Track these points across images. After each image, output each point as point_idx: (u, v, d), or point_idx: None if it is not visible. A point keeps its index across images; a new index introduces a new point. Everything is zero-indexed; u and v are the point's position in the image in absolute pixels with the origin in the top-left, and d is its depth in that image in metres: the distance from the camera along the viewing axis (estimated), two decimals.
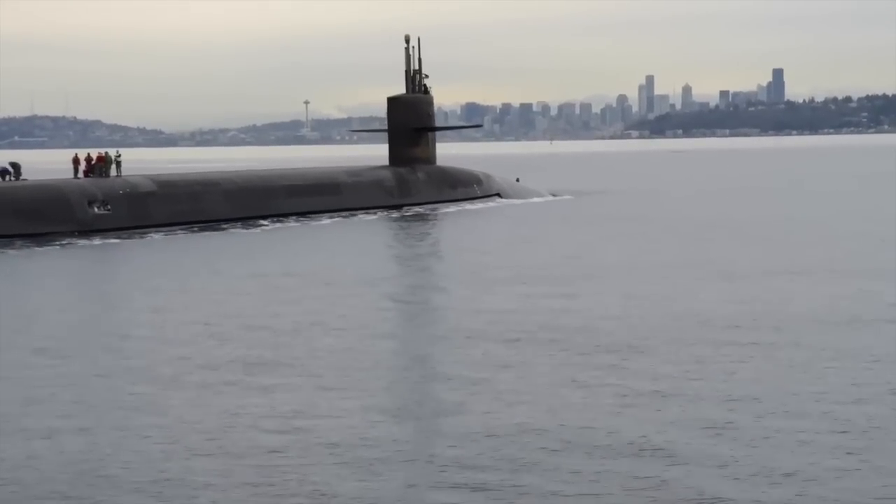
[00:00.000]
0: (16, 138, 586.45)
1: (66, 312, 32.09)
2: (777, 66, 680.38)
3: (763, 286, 33.04)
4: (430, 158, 79.42)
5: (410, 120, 78.23)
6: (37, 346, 26.23)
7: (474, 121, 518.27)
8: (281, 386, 21.11)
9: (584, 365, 22.31)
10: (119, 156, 62.61)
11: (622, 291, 32.70)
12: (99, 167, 61.04)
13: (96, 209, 56.86)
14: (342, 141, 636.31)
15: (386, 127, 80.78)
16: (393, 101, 79.14)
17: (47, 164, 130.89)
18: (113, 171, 61.66)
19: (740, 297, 30.94)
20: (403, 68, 79.05)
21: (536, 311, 29.20)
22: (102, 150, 63.30)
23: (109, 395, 20.91)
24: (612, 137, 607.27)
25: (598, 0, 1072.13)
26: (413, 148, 78.14)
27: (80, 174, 61.00)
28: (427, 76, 79.78)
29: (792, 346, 23.98)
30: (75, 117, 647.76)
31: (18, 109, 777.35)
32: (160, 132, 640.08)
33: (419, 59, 79.09)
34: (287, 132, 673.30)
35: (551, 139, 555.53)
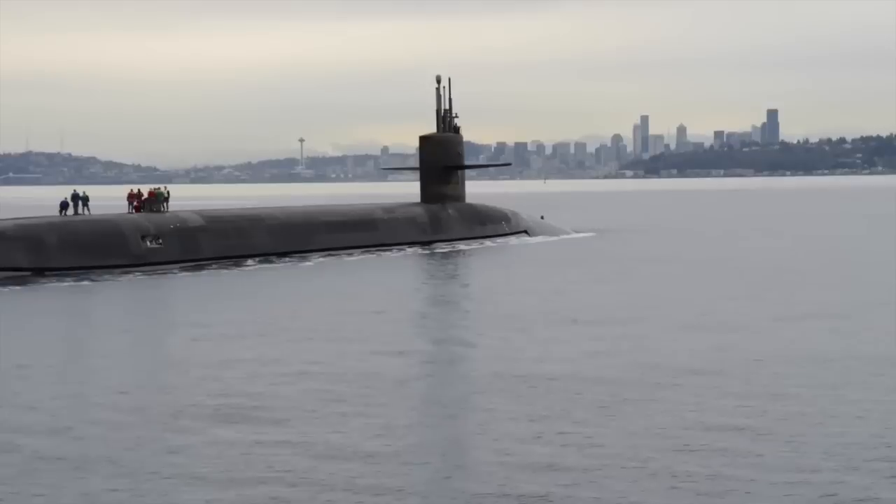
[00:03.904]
0: (10, 175, 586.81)
1: (123, 338, 34.42)
2: (771, 107, 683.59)
3: None
4: (460, 196, 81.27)
5: (441, 158, 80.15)
6: (92, 367, 28.44)
7: (468, 160, 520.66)
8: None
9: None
10: (168, 192, 64.62)
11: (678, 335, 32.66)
12: (150, 202, 62.81)
13: (149, 243, 58.59)
14: (337, 178, 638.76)
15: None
16: (425, 140, 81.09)
17: (41, 202, 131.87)
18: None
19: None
20: (434, 108, 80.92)
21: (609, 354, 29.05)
22: (154, 186, 65.41)
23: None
24: (606, 177, 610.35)
25: (593, 41, 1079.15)
26: (444, 185, 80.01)
27: (132, 209, 62.87)
28: (457, 115, 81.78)
29: None
30: (70, 154, 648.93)
31: (13, 146, 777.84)
32: (155, 169, 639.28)
33: (450, 99, 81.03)
34: (282, 170, 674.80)
35: (545, 179, 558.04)
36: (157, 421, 21.79)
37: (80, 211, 60.84)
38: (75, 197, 60.76)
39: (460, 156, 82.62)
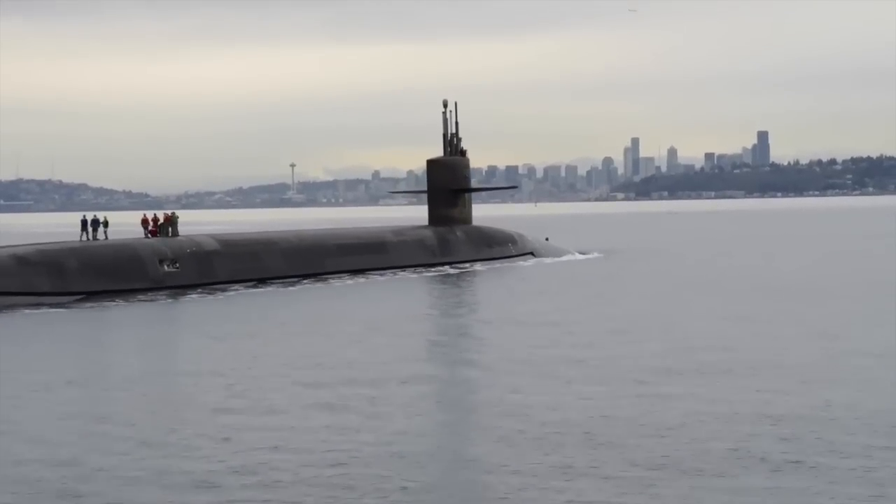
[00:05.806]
0: (1, 202, 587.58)
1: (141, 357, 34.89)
2: (762, 129, 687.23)
3: None
4: (467, 218, 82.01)
5: (448, 181, 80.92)
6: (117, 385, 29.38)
7: None
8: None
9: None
10: (177, 217, 65.37)
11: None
12: (165, 227, 63.53)
13: (166, 267, 59.28)
14: (328, 203, 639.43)
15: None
16: (432, 164, 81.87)
17: (36, 229, 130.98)
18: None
19: None
20: (441, 132, 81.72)
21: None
22: (168, 211, 66.21)
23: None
24: (597, 199, 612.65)
25: (584, 63, 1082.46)
26: (451, 208, 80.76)
27: (148, 234, 63.57)
28: (460, 139, 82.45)
29: None
30: (61, 181, 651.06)
31: (4, 173, 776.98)
32: (146, 195, 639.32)
33: (456, 123, 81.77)
34: (273, 195, 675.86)
35: (535, 202, 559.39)
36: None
37: (98, 236, 61.56)
38: (95, 222, 61.53)
39: (467, 178, 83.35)
